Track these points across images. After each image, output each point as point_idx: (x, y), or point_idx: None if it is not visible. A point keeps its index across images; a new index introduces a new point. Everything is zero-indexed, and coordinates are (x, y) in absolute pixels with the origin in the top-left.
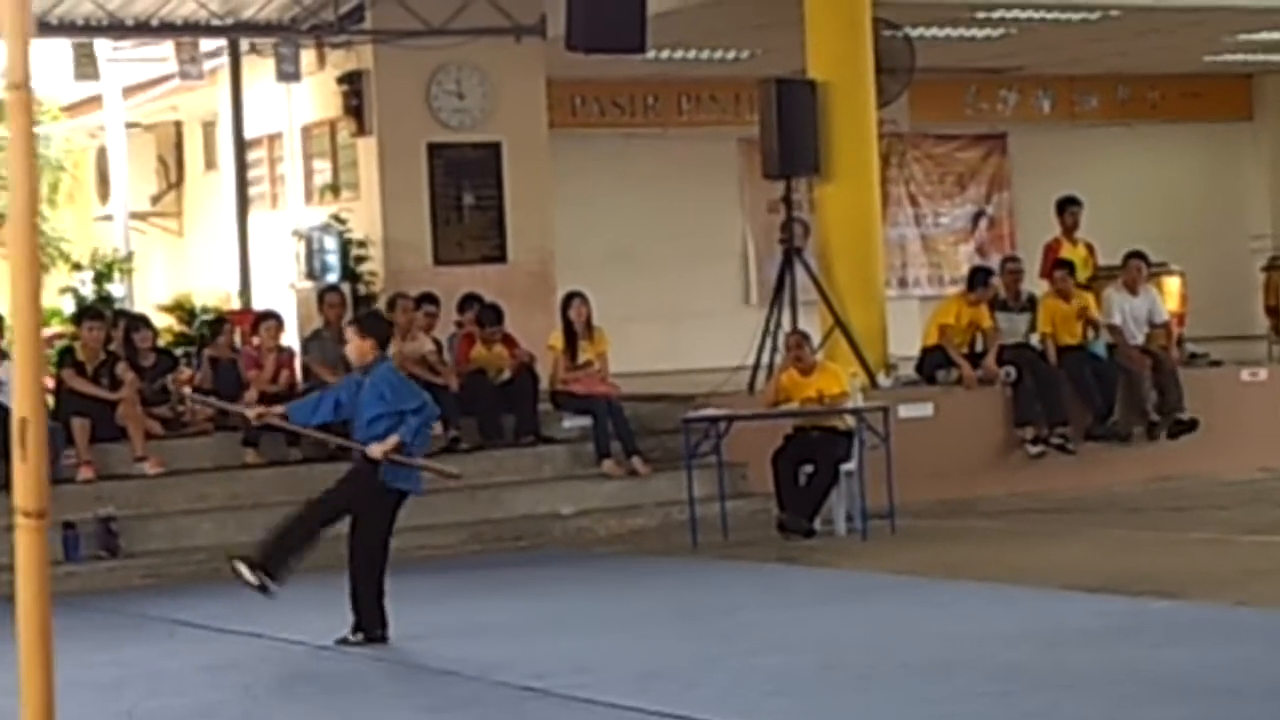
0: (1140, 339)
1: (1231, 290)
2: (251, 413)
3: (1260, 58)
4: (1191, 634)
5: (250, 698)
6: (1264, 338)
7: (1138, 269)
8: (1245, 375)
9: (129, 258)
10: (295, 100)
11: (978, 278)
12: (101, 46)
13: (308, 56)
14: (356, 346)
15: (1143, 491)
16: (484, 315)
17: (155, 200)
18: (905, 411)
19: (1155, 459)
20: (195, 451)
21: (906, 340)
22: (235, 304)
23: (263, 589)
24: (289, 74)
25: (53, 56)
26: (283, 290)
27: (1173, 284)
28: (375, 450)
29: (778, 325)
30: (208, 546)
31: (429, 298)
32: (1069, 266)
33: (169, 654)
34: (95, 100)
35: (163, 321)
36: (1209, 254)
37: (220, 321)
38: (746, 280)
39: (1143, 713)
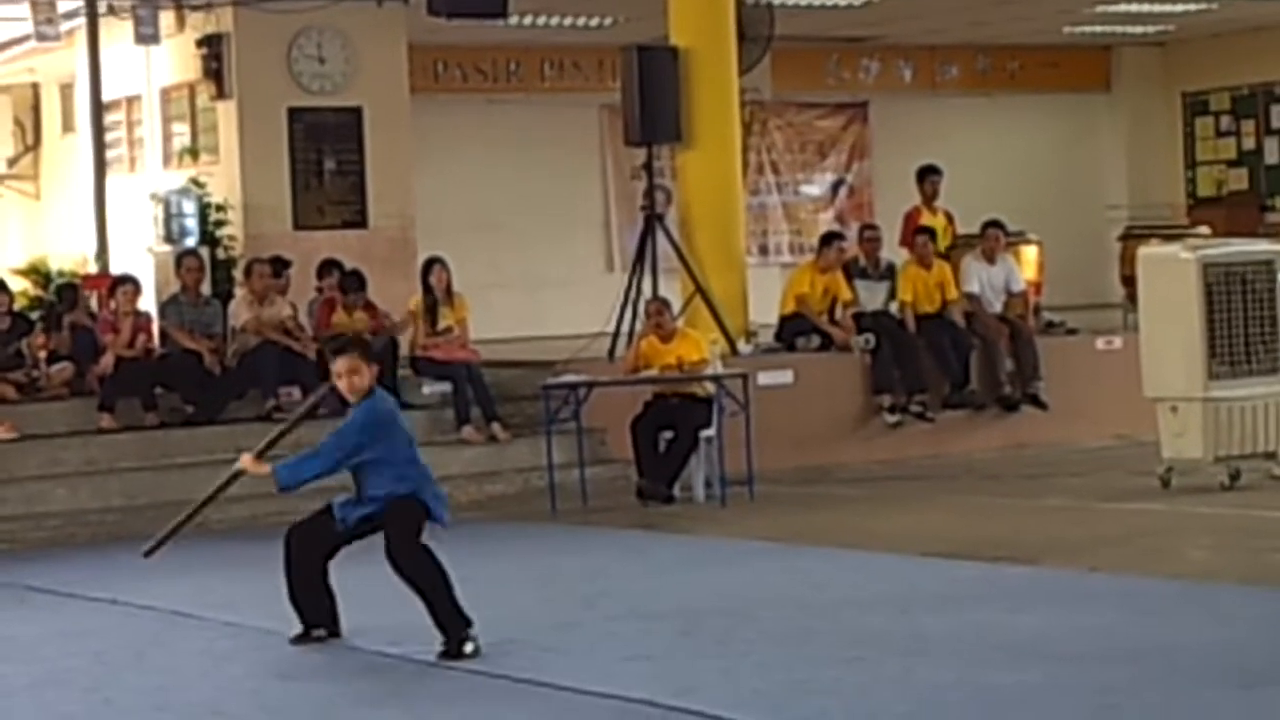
0: (998, 307)
1: (1088, 259)
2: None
3: (1119, 29)
4: (1045, 599)
5: (102, 664)
6: (1119, 306)
7: (995, 238)
8: (1101, 344)
9: None
10: (154, 63)
11: (824, 242)
12: None
13: (167, 18)
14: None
15: (999, 459)
16: (347, 282)
17: (11, 163)
18: (765, 379)
19: (1011, 427)
20: (49, 416)
21: (767, 307)
22: (92, 268)
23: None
24: (147, 36)
25: None
26: (140, 254)
27: (1030, 253)
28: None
29: (638, 292)
30: (61, 512)
31: (281, 260)
32: (930, 233)
33: (21, 620)
34: None
35: (18, 285)
36: (1066, 223)
37: (74, 287)
38: (609, 247)
39: (996, 677)
